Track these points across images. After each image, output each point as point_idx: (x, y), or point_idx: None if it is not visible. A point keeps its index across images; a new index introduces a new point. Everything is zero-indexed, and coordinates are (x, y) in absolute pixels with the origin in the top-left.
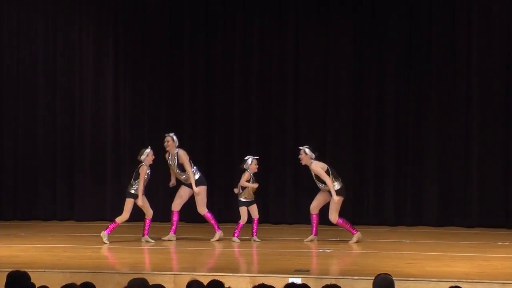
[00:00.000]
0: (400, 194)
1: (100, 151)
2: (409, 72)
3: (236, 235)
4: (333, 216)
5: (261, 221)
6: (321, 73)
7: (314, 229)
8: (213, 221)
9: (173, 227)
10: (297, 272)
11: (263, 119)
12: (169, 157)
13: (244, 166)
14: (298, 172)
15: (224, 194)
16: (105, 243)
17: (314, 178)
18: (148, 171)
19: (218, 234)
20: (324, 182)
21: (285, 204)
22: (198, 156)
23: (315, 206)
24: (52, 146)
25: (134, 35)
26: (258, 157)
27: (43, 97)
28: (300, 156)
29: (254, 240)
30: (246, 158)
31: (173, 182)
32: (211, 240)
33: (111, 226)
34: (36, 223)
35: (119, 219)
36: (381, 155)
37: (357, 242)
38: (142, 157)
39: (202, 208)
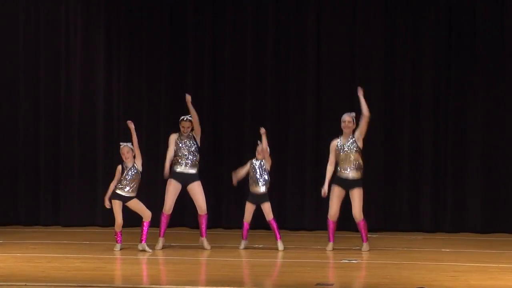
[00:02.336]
0: (439, 197)
1: (90, 148)
2: (450, 63)
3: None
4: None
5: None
6: (347, 60)
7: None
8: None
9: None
10: (319, 286)
11: (279, 111)
12: (183, 143)
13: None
14: (320, 171)
15: (236, 195)
16: (147, 251)
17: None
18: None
19: (204, 241)
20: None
21: (304, 206)
22: (204, 152)
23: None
24: (35, 142)
25: (129, 13)
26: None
27: (24, 88)
28: (349, 124)
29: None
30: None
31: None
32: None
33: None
34: (16, 228)
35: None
36: (417, 154)
37: (368, 251)
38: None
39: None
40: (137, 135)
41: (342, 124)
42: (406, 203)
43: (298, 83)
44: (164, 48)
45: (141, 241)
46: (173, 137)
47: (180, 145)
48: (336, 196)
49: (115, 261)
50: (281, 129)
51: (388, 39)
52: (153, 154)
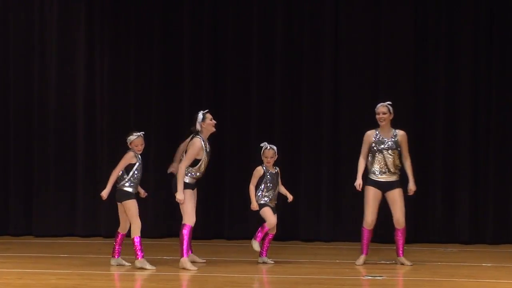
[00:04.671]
0: (479, 205)
1: (68, 147)
2: (491, 55)
3: (259, 238)
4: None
5: (289, 237)
6: (369, 47)
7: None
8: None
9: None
10: None
11: (291, 108)
12: (207, 145)
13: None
14: (337, 173)
15: (240, 200)
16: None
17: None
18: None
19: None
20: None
21: (320, 215)
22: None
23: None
24: (3, 139)
25: None
26: (274, 147)
27: None
28: (384, 116)
29: (264, 262)
30: (261, 144)
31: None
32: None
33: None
34: None
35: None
36: (453, 156)
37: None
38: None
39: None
40: (124, 133)
41: (377, 116)
42: (441, 211)
43: (312, 75)
44: (155, 29)
45: (137, 257)
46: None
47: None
48: (372, 199)
49: (97, 278)
50: (293, 127)
51: (418, 21)
52: (143, 154)
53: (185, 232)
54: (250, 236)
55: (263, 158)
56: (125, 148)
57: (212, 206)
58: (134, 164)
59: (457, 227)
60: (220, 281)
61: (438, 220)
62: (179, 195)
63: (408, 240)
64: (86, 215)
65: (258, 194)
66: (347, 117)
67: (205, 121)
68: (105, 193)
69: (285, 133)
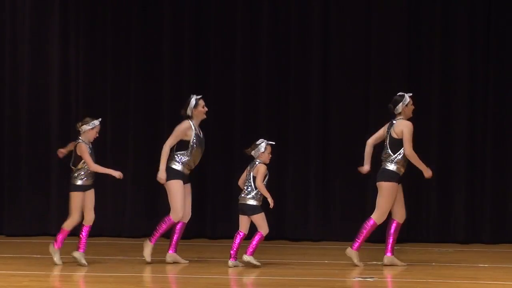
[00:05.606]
0: (475, 202)
1: (42, 139)
2: (488, 51)
3: (233, 258)
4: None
5: (275, 236)
6: (362, 38)
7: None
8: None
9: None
10: None
11: (276, 98)
12: (198, 130)
13: (254, 154)
14: (326, 170)
15: (222, 201)
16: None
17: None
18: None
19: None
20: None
21: (308, 214)
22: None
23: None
24: None
25: None
26: (273, 143)
27: None
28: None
29: (249, 262)
30: (258, 142)
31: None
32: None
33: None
34: None
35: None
36: (448, 153)
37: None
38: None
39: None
40: (101, 128)
41: (411, 108)
42: (436, 209)
43: (300, 69)
44: (133, 17)
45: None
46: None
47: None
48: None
49: (72, 280)
50: (279, 123)
51: (412, 9)
52: (122, 148)
53: (164, 224)
54: (234, 235)
55: (264, 154)
56: (100, 143)
57: (194, 204)
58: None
59: (452, 226)
60: (203, 283)
61: (433, 219)
62: (160, 174)
63: (401, 240)
64: (60, 213)
65: (257, 194)
66: (336, 113)
67: (197, 108)
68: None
69: (271, 130)
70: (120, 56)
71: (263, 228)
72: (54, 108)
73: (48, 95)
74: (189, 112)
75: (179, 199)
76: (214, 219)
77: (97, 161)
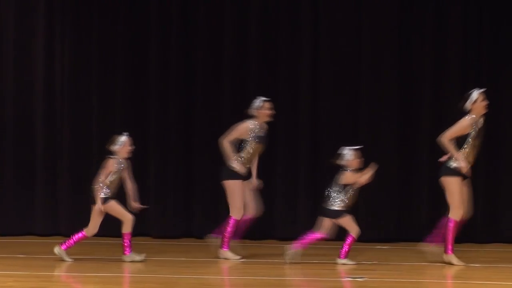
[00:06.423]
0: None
1: (26, 136)
2: (480, 49)
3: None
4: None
5: (263, 236)
6: (352, 35)
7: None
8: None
9: None
10: None
11: (264, 94)
12: (258, 129)
13: (342, 162)
14: (315, 169)
15: (210, 196)
16: (66, 260)
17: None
18: (117, 165)
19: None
20: None
21: (296, 213)
22: (172, 149)
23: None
24: None
25: None
26: (360, 146)
27: None
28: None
29: (344, 263)
30: (341, 151)
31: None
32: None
33: (74, 239)
34: None
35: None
36: (438, 150)
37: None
38: (115, 147)
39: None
40: (86, 123)
41: (485, 104)
42: (426, 209)
43: (290, 66)
44: (120, 10)
45: (125, 252)
46: None
47: None
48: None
49: (57, 280)
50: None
51: (404, 5)
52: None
53: (230, 225)
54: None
55: (353, 161)
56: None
57: (180, 203)
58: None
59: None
60: (193, 283)
61: (424, 219)
62: (235, 165)
63: (391, 240)
64: (45, 212)
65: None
66: (325, 110)
67: (261, 110)
68: None
69: None
70: (106, 50)
71: (353, 229)
72: (39, 104)
73: (33, 90)
74: (253, 112)
75: (237, 198)
76: (201, 218)
77: (84, 158)
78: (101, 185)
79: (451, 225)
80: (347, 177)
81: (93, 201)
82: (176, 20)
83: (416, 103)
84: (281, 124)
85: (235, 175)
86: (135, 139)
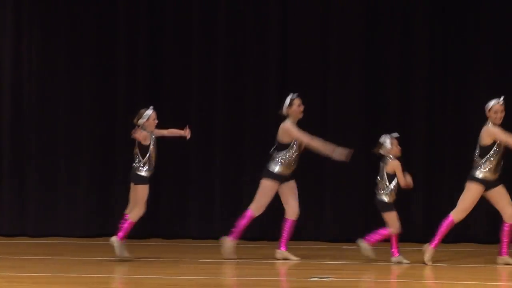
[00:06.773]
0: (432, 201)
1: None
2: (447, 49)
3: (396, 253)
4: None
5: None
6: (318, 38)
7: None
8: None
9: None
10: None
11: (234, 91)
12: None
13: (383, 152)
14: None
15: (178, 196)
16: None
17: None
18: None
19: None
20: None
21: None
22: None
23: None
24: None
25: None
26: (397, 135)
27: None
28: (501, 115)
29: (399, 262)
30: (381, 140)
31: None
32: None
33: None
34: None
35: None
36: (408, 153)
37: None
38: (142, 121)
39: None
40: (54, 124)
41: (498, 115)
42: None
43: (257, 67)
44: (89, 10)
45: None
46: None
47: None
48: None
49: (23, 280)
50: (235, 120)
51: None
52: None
53: (245, 218)
54: (190, 235)
55: (393, 149)
56: (53, 139)
57: (148, 204)
58: (149, 145)
59: (410, 225)
60: (160, 283)
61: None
62: (332, 151)
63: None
64: (11, 212)
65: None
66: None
67: (291, 107)
68: None
69: (227, 129)
70: (75, 50)
71: (393, 226)
72: (5, 104)
73: None
74: (285, 112)
75: (266, 198)
76: (168, 218)
77: (52, 158)
78: (141, 164)
79: (447, 221)
80: (392, 165)
81: (135, 180)
82: (144, 19)
83: (383, 108)
84: (248, 128)
85: (274, 176)
86: (102, 138)
